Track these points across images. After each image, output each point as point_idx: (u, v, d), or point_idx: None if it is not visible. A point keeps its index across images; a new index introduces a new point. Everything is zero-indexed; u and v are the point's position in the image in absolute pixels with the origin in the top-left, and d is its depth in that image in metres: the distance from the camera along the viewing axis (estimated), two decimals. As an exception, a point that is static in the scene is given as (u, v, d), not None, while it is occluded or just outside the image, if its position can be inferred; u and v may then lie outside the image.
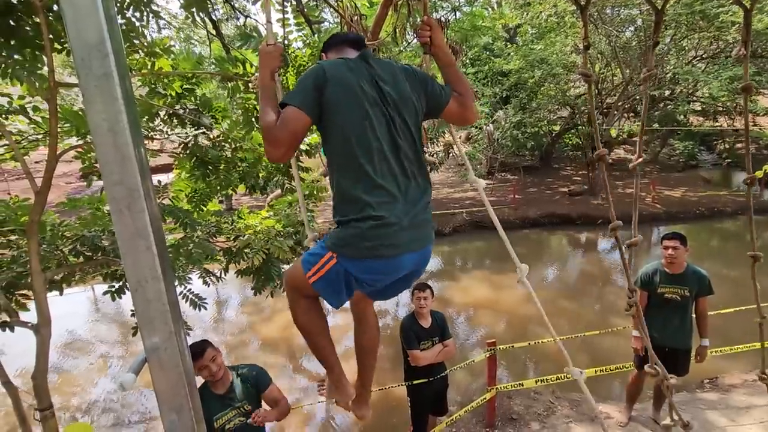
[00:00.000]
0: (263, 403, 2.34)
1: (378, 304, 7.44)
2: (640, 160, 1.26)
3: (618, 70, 13.64)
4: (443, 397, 3.26)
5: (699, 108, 15.82)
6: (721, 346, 4.50)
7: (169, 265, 1.23)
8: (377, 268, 1.29)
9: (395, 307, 7.62)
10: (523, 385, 3.89)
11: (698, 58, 13.37)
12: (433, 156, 13.06)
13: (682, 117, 15.45)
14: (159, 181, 3.18)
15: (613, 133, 14.21)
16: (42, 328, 2.07)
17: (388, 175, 1.26)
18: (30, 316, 2.37)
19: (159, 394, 1.16)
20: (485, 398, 3.64)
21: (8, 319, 2.22)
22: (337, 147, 1.28)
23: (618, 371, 3.91)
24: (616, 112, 13.86)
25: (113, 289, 2.42)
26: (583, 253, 10.87)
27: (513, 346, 4.00)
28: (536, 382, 3.82)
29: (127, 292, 2.62)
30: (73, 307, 7.96)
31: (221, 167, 2.91)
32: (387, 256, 1.26)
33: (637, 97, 13.52)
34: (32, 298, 2.22)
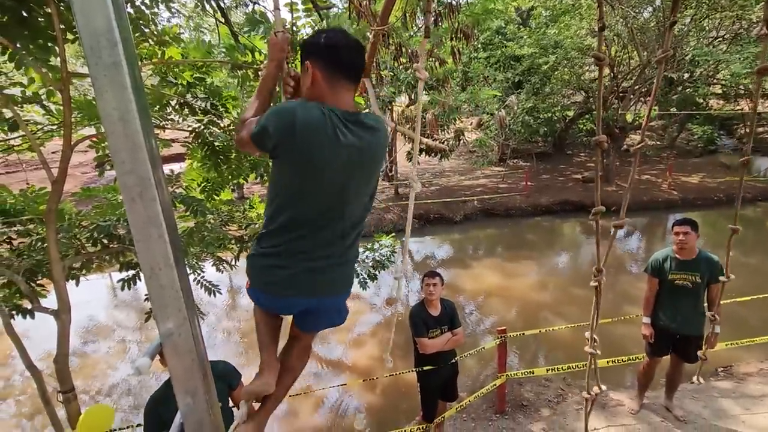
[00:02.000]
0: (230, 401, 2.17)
1: (388, 293, 7.49)
2: (642, 144, 1.23)
3: (635, 52, 13.25)
4: (453, 383, 3.29)
5: (719, 91, 15.31)
6: (736, 335, 4.44)
7: (182, 252, 1.25)
8: (275, 303, 1.41)
9: (405, 295, 7.66)
10: (533, 373, 3.90)
11: (719, 39, 12.90)
12: (443, 143, 12.94)
13: (701, 100, 14.98)
14: (171, 171, 3.22)
15: (629, 118, 13.87)
16: (62, 314, 2.14)
17: (319, 235, 1.28)
18: (48, 302, 2.44)
19: (174, 378, 1.19)
20: (495, 385, 3.66)
21: (30, 306, 2.29)
22: (283, 192, 1.27)
23: (630, 362, 3.89)
24: (632, 97, 13.51)
25: (127, 278, 2.47)
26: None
27: (524, 334, 4.00)
28: (547, 370, 3.82)
29: (140, 280, 2.68)
30: (92, 294, 8.19)
31: (232, 156, 2.92)
32: (273, 292, 1.34)
33: (654, 81, 13.13)
34: (50, 286, 2.28)
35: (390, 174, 13.78)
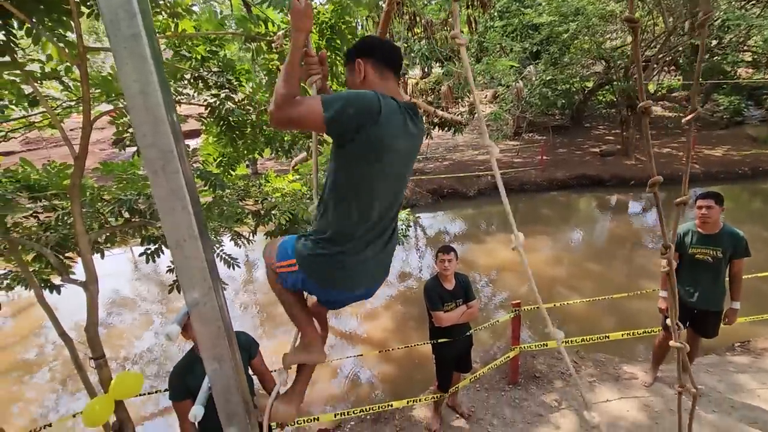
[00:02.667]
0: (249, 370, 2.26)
1: (402, 267, 7.57)
2: (696, 113, 1.16)
3: (660, 18, 12.60)
4: (467, 355, 3.35)
5: (749, 58, 14.55)
6: (755, 310, 4.38)
7: (205, 224, 1.28)
8: (332, 295, 1.43)
9: (419, 270, 7.72)
10: (547, 346, 3.93)
11: (752, 2, 12.16)
12: (458, 116, 12.70)
13: (729, 69, 14.27)
14: (188, 146, 3.25)
15: (652, 88, 13.34)
16: (90, 285, 2.22)
17: (381, 222, 1.33)
18: (76, 275, 2.54)
19: (201, 345, 1.24)
20: (509, 356, 3.71)
21: (59, 280, 2.38)
22: (356, 184, 1.25)
23: (645, 335, 3.89)
24: (656, 66, 12.94)
25: (149, 251, 2.53)
26: (612, 215, 10.56)
27: (538, 308, 4.01)
28: (562, 342, 3.85)
29: (162, 254, 2.75)
30: (115, 267, 8.46)
31: (247, 131, 2.92)
32: (344, 288, 1.39)
33: (680, 49, 12.54)
34: (76, 259, 2.36)
35: (403, 149, 13.66)
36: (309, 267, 1.34)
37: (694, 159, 12.64)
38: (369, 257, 1.33)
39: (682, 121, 1.11)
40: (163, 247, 2.67)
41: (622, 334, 3.84)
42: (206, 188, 2.52)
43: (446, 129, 11.57)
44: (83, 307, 2.35)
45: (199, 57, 2.54)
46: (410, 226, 4.06)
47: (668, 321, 3.39)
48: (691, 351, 3.59)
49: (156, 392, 3.07)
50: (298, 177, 3.62)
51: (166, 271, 2.87)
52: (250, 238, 3.49)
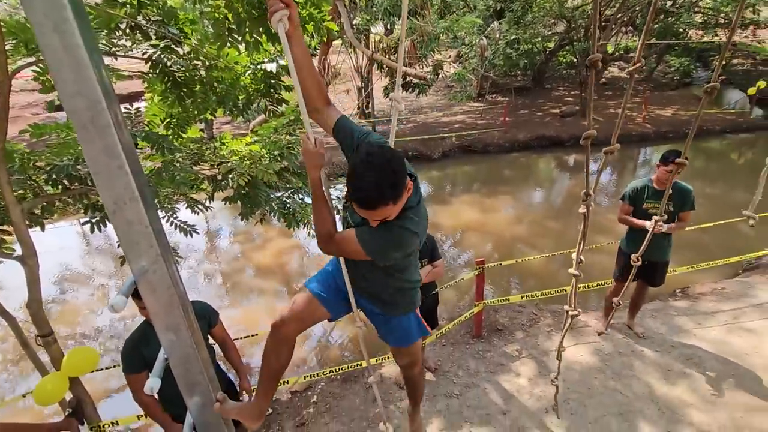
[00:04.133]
0: (210, 339, 2.27)
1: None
2: (639, 65, 1.15)
3: (620, -23, 12.64)
4: (434, 312, 3.43)
5: (699, 20, 15.00)
6: (696, 259, 4.74)
7: (148, 187, 1.16)
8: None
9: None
10: (509, 300, 4.11)
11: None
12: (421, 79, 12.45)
13: (681, 30, 14.68)
14: (131, 105, 2.97)
15: (610, 49, 13.57)
16: (28, 259, 2.04)
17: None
18: (16, 251, 2.32)
19: (154, 316, 1.15)
20: (473, 312, 3.85)
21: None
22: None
23: (599, 287, 4.13)
24: (614, 26, 13.11)
25: (94, 220, 2.34)
26: (570, 174, 10.95)
27: (501, 264, 4.15)
28: (522, 297, 4.02)
29: (109, 222, 2.56)
30: (64, 241, 7.95)
31: (196, 89, 2.70)
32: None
33: (638, 9, 12.71)
34: (12, 232, 2.15)
35: (366, 111, 13.34)
36: (410, 303, 1.86)
37: (645, 119, 13.18)
38: None
39: (625, 71, 1.10)
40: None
41: (580, 287, 4.06)
42: (154, 152, 2.33)
43: (410, 90, 11.35)
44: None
45: (135, 2, 2.26)
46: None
47: (622, 272, 3.61)
48: (639, 299, 3.86)
49: (115, 366, 2.96)
50: (256, 139, 3.43)
51: (118, 244, 2.68)
52: (208, 204, 3.32)
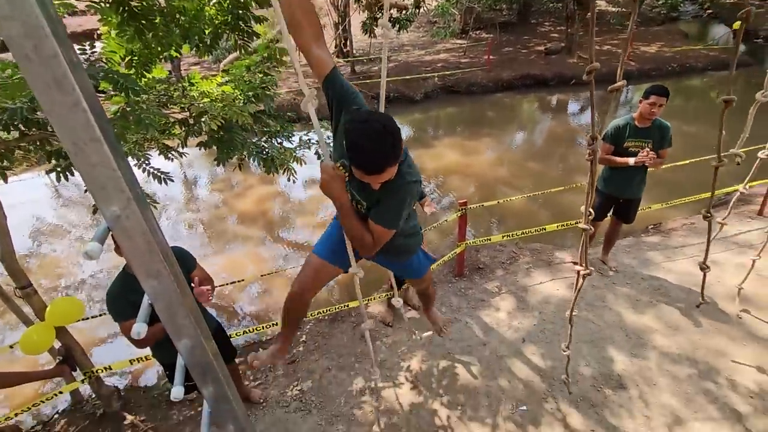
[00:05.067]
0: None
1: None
2: None
3: None
4: (417, 253, 3.50)
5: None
6: (669, 196, 4.89)
7: (111, 127, 1.08)
8: None
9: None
10: (490, 240, 4.21)
11: None
12: (401, 12, 11.73)
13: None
14: (88, 43, 2.70)
15: (599, -21, 12.91)
16: (-7, 210, 1.93)
17: None
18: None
19: (133, 263, 1.12)
20: (455, 252, 3.94)
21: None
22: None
23: (576, 225, 4.25)
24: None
25: (60, 168, 2.21)
26: (553, 115, 10.87)
27: (483, 205, 4.19)
28: (503, 236, 4.12)
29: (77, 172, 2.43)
30: (32, 194, 7.63)
31: (156, 21, 2.46)
32: None
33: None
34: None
35: (345, 50, 12.65)
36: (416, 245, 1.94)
37: (630, 56, 12.92)
38: None
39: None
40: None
41: (557, 226, 4.17)
42: (117, 92, 2.15)
43: (391, 26, 10.73)
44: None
45: None
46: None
47: (599, 211, 3.70)
48: (613, 236, 4.00)
49: (102, 315, 2.97)
50: (228, 79, 3.22)
51: (86, 190, 2.55)
52: (181, 150, 3.18)
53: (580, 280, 1.50)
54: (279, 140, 3.47)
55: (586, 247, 1.49)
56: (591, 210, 1.42)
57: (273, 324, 3.36)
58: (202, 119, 2.64)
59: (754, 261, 3.33)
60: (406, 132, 10.17)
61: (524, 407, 2.80)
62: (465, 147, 8.57)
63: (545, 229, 4.12)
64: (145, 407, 3.00)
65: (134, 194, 1.06)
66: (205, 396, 1.38)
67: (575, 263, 4.06)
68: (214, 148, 3.05)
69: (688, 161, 4.86)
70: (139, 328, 1.29)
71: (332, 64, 1.39)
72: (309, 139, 3.74)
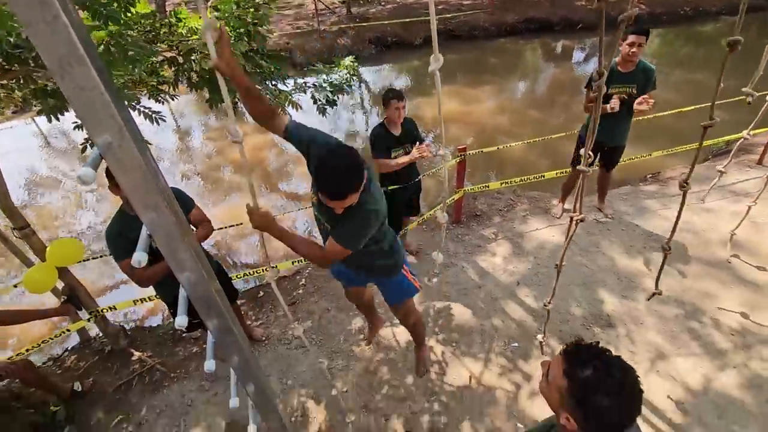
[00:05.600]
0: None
1: (348, 127, 7.32)
2: None
3: None
4: (417, 199, 3.51)
5: None
6: (669, 144, 4.83)
7: (96, 52, 1.02)
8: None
9: (366, 129, 7.54)
10: (488, 187, 4.20)
11: None
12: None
13: None
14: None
15: None
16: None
17: None
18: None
19: (130, 195, 1.10)
20: (454, 199, 3.95)
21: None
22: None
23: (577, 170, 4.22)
24: None
25: (48, 108, 2.12)
26: (555, 63, 10.48)
27: (482, 151, 4.15)
28: (501, 183, 4.11)
29: (67, 111, 2.34)
30: (22, 143, 7.47)
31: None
32: None
33: None
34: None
35: (340, -11, 11.91)
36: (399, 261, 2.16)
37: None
38: None
39: None
40: (68, 104, 2.25)
41: (556, 173, 4.15)
42: (97, 22, 2.02)
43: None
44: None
45: None
46: (354, 75, 3.74)
47: (582, 152, 3.65)
48: (604, 183, 3.97)
49: (102, 256, 3.01)
50: (217, 14, 3.04)
51: (76, 126, 2.46)
52: (171, 92, 3.07)
53: (573, 226, 1.50)
54: (273, 82, 3.34)
55: (581, 192, 1.46)
56: (590, 153, 1.38)
57: (273, 266, 3.42)
58: (192, 57, 2.51)
59: (749, 207, 3.36)
60: (405, 79, 9.84)
61: (516, 344, 2.93)
62: (465, 95, 8.33)
63: (544, 176, 4.10)
64: (152, 345, 3.13)
65: (127, 124, 1.03)
66: (209, 329, 1.42)
67: (557, 216, 4.08)
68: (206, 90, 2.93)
69: (691, 107, 4.75)
70: (140, 257, 1.31)
71: (284, 123, 1.64)
72: (305, 82, 3.61)
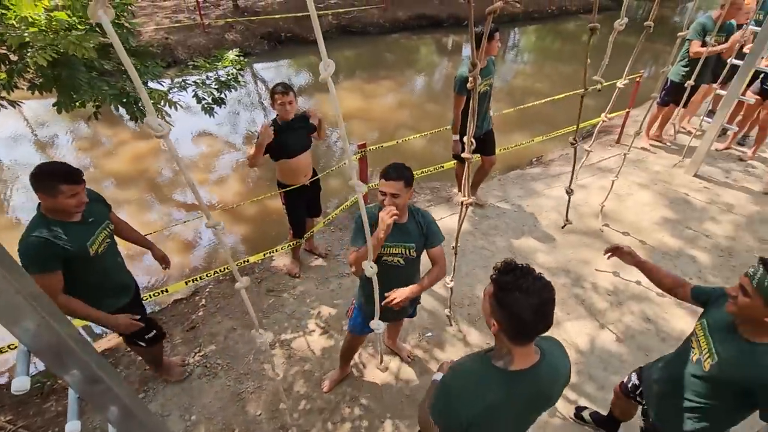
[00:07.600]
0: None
1: (247, 127, 6.89)
2: None
3: None
4: (316, 199, 3.40)
5: None
6: (548, 130, 5.36)
7: None
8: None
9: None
10: (392, 182, 4.23)
11: None
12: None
13: None
14: None
15: None
16: None
17: None
18: None
19: None
20: (356, 197, 3.90)
21: None
22: None
23: (476, 161, 4.45)
24: None
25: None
26: (448, 57, 11.05)
27: (382, 146, 4.16)
28: (403, 177, 4.16)
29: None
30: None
31: None
32: None
33: None
34: None
35: (224, -19, 11.14)
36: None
37: (516, -2, 13.42)
38: None
39: None
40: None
41: (455, 163, 4.34)
42: None
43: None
44: None
45: None
46: (241, 70, 3.46)
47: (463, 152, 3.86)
48: (482, 175, 4.18)
49: None
50: (59, 3, 2.57)
51: None
52: (8, 96, 2.54)
53: (463, 210, 1.57)
54: (144, 79, 2.94)
55: (467, 178, 1.57)
56: (473, 140, 1.47)
57: (164, 291, 3.04)
58: (26, 52, 2.08)
59: (613, 182, 3.84)
60: (303, 76, 9.57)
61: (430, 333, 2.99)
62: (364, 90, 8.36)
63: (443, 167, 4.26)
64: (11, 405, 2.58)
65: None
66: (68, 383, 1.16)
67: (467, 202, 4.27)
68: (54, 91, 2.48)
69: (562, 95, 5.31)
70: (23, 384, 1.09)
71: None
72: (184, 80, 3.26)
